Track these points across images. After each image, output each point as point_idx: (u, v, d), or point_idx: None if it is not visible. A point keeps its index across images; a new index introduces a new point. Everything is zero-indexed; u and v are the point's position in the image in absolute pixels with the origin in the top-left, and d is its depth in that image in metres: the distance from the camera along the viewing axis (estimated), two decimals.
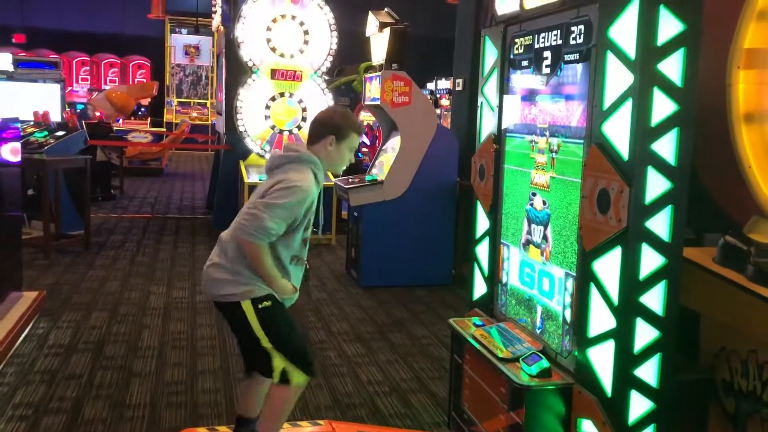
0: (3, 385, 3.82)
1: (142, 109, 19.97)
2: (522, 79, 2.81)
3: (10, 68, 9.88)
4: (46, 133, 7.74)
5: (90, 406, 3.61)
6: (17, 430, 3.30)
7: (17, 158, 5.17)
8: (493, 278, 3.04)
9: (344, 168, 2.76)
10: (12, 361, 4.16)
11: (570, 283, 2.46)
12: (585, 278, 2.30)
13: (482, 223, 3.11)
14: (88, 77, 22.97)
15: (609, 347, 2.19)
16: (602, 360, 2.22)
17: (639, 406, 2.18)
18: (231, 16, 8.95)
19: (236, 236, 2.49)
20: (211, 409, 3.63)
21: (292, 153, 2.60)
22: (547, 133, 2.61)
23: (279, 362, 2.54)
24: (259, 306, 2.52)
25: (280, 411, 2.63)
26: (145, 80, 22.55)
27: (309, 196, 2.51)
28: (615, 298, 2.17)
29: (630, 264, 2.12)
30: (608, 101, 2.19)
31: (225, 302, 2.56)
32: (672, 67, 2.09)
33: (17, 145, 5.21)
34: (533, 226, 2.71)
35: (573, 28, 2.41)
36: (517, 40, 2.83)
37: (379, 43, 6.41)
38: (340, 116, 2.68)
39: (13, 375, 3.97)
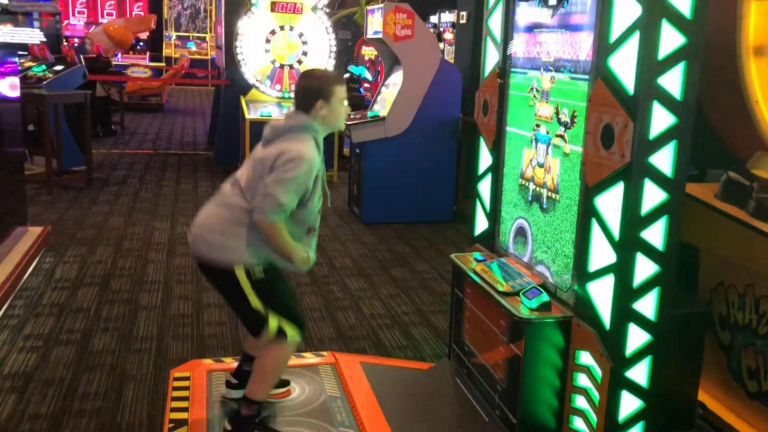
0: (13, 317, 3.90)
1: (141, 44, 19.65)
2: (528, 12, 2.76)
3: (4, 0, 9.66)
4: (44, 67, 7.64)
5: (98, 337, 3.69)
6: (29, 360, 3.39)
7: (16, 93, 5.13)
8: (494, 214, 3.05)
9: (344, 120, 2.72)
10: (20, 294, 4.23)
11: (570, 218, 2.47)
12: (586, 213, 2.31)
13: (485, 158, 3.10)
14: (85, 10, 22.50)
15: (609, 281, 2.22)
16: (602, 294, 2.26)
17: (636, 338, 2.22)
18: None
19: (253, 218, 2.45)
20: (217, 341, 3.72)
21: (293, 123, 2.55)
22: (552, 69, 2.57)
23: (273, 321, 2.54)
24: (252, 274, 2.51)
25: (272, 370, 2.63)
26: (142, 13, 22.10)
27: (314, 165, 2.49)
28: (616, 233, 2.18)
29: (632, 199, 2.13)
30: (615, 34, 2.14)
31: (215, 267, 2.53)
32: None
33: (16, 79, 5.16)
34: (539, 144, 2.69)
35: None
36: None
37: None
38: (317, 78, 2.63)
39: (22, 307, 4.04)
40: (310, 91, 2.58)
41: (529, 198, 2.78)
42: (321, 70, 2.85)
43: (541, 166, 2.68)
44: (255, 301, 2.53)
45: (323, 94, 2.56)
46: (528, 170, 2.78)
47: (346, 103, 2.65)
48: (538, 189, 2.71)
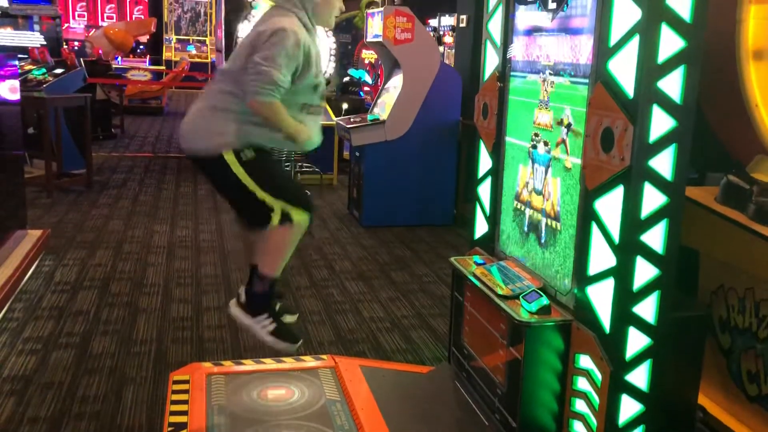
0: (12, 320, 3.90)
1: (141, 47, 19.67)
2: (527, 15, 2.76)
3: (5, 3, 9.67)
4: (44, 70, 7.65)
5: (97, 341, 3.69)
6: (28, 363, 3.39)
7: (16, 96, 5.13)
8: (494, 217, 3.05)
9: (335, 20, 2.68)
10: (20, 297, 4.23)
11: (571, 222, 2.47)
12: (586, 217, 2.31)
13: (485, 162, 3.10)
14: (85, 14, 22.53)
15: (608, 285, 2.22)
16: (601, 297, 2.25)
17: (636, 341, 2.22)
18: None
19: (248, 101, 2.38)
20: (217, 345, 3.71)
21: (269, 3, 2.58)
22: (551, 72, 2.57)
23: (279, 206, 2.47)
24: (242, 156, 2.43)
25: (282, 249, 2.55)
26: (143, 16, 22.13)
27: (301, 39, 2.44)
28: (616, 236, 2.18)
29: (632, 203, 2.12)
30: (615, 38, 2.15)
31: (204, 156, 2.47)
32: (681, 2, 2.04)
33: (16, 82, 5.16)
34: (536, 166, 2.69)
35: None
36: None
37: None
38: None
39: (21, 311, 4.04)
40: None
41: (525, 227, 2.75)
42: None
43: (539, 193, 2.65)
44: (252, 185, 2.44)
45: None
46: (524, 192, 2.77)
47: (341, 3, 2.62)
48: (535, 215, 2.68)
